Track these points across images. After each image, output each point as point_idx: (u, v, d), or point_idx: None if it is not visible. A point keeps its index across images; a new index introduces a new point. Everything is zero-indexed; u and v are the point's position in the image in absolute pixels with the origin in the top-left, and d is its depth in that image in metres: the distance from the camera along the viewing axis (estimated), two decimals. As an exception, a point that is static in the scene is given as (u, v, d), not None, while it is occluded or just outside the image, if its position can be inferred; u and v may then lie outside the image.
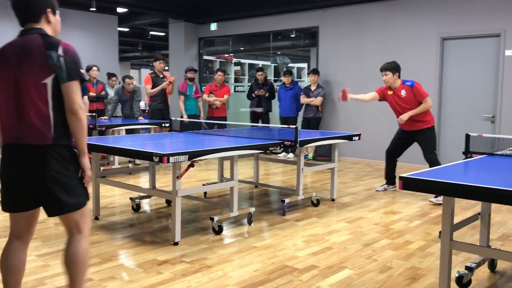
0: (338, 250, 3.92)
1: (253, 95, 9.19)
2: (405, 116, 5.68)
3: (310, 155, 9.00)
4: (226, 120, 8.53)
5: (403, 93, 5.71)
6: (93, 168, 4.79)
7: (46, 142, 2.34)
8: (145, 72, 26.23)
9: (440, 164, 5.58)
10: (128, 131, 7.99)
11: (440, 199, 5.58)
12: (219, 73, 8.75)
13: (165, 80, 8.18)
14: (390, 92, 5.86)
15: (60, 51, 2.34)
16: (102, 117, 8.02)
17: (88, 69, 8.51)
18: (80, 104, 2.36)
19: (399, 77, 5.81)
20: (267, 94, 9.20)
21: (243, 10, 9.84)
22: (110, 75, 9.28)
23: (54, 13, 2.52)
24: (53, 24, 2.52)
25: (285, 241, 4.14)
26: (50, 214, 2.42)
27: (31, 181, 2.36)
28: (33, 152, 2.34)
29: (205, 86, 9.54)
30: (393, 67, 5.77)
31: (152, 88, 8.05)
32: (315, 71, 8.74)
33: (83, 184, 2.47)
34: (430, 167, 5.57)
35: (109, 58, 10.45)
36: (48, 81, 2.32)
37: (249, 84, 9.98)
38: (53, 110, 2.35)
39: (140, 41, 18.28)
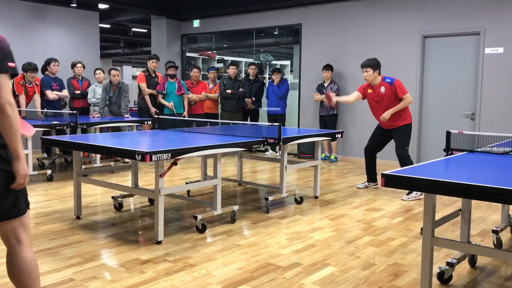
0: (321, 247, 3.94)
1: (227, 91, 8.74)
2: (387, 114, 5.72)
3: (333, 156, 8.62)
4: (205, 118, 8.48)
5: (382, 89, 5.76)
6: (75, 166, 4.73)
7: None
8: (127, 69, 25.99)
9: (411, 161, 5.71)
10: (114, 129, 7.89)
11: (412, 196, 5.66)
12: (195, 70, 8.79)
13: (157, 80, 8.40)
14: (370, 91, 5.90)
15: None
16: (94, 115, 7.88)
17: (73, 65, 8.38)
18: (8, 100, 2.12)
19: (379, 74, 5.84)
20: (253, 107, 9.12)
21: (226, 7, 9.81)
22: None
23: None
24: None
25: (268, 239, 4.14)
26: None
27: None
28: None
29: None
30: (374, 64, 5.80)
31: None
32: (328, 67, 8.44)
33: (22, 191, 2.29)
34: (400, 162, 5.70)
35: (91, 54, 10.31)
36: None
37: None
38: None
39: (122, 38, 18.09)
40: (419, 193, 5.60)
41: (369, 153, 6.19)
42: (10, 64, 2.19)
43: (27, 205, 2.35)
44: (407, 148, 5.84)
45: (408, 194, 5.69)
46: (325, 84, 8.49)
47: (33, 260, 2.34)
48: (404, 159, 5.70)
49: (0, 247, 3.76)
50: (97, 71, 8.44)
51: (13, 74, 2.21)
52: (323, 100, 8.44)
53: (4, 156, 2.21)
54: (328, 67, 8.44)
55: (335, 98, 5.94)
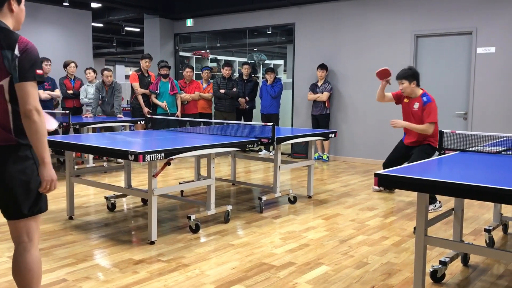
0: (315, 246, 3.95)
1: (220, 91, 8.72)
2: (402, 123, 5.11)
3: (325, 156, 8.63)
4: (198, 117, 8.47)
5: (415, 106, 5.08)
6: (67, 166, 4.71)
7: (10, 143, 2.23)
8: (120, 69, 25.87)
9: None
10: (107, 129, 7.85)
11: (431, 208, 5.16)
12: (187, 69, 8.80)
13: (150, 79, 8.39)
14: (406, 100, 5.21)
15: (16, 50, 2.18)
16: (87, 115, 7.84)
17: (66, 65, 8.33)
18: (35, 106, 2.18)
19: (417, 85, 5.11)
20: (246, 107, 9.12)
21: (219, 6, 9.80)
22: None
23: (19, 1, 2.35)
24: (16, 14, 2.34)
25: (262, 238, 4.14)
26: (8, 216, 2.31)
27: None
28: None
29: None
30: (410, 75, 5.05)
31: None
32: (322, 66, 8.43)
33: None
34: None
35: (83, 54, 10.26)
36: (4, 83, 2.19)
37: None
38: (12, 113, 2.23)
39: (115, 37, 18.00)
40: (438, 205, 5.17)
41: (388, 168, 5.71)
42: (38, 71, 2.23)
43: (46, 203, 2.40)
44: None
45: (431, 203, 5.14)
46: (319, 84, 8.50)
47: (40, 260, 2.40)
48: None
49: (0, 246, 3.75)
50: (87, 71, 8.38)
51: (40, 81, 2.24)
52: (316, 99, 8.46)
53: (29, 155, 2.28)
54: (323, 67, 8.46)
55: (386, 81, 5.21)
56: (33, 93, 2.20)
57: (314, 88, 8.56)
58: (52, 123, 3.04)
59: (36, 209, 2.33)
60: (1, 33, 2.21)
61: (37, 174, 2.30)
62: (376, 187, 6.14)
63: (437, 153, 3.89)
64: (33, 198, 2.30)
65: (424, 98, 5.06)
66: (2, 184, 2.25)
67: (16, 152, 2.25)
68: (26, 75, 2.18)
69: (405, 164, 3.37)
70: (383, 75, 5.23)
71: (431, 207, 5.17)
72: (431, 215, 3.08)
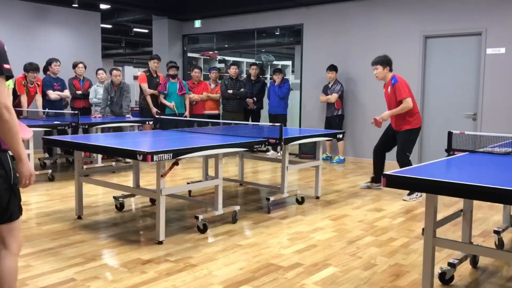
0: (323, 247, 3.94)
1: (228, 91, 8.77)
2: (385, 115, 5.64)
3: (336, 158, 8.57)
4: (206, 118, 8.48)
5: (389, 90, 5.65)
6: (76, 166, 4.74)
7: None
8: (129, 70, 25.99)
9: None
10: (116, 129, 7.89)
11: (413, 197, 5.62)
12: (196, 70, 8.85)
13: (158, 80, 8.42)
14: (384, 90, 5.81)
15: None
16: (96, 115, 7.90)
17: (74, 66, 8.39)
18: (5, 104, 2.06)
19: (390, 71, 5.66)
20: (254, 107, 9.12)
21: (228, 7, 9.81)
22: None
23: None
24: None
25: (270, 239, 4.14)
26: None
27: None
28: None
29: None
30: (383, 60, 5.62)
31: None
32: (332, 67, 8.38)
33: (16, 195, 2.23)
34: (400, 167, 5.55)
35: (92, 55, 10.32)
36: None
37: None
38: None
39: (123, 38, 18.09)
40: (419, 194, 5.55)
41: (378, 153, 6.03)
42: (6, 66, 2.12)
43: (20, 210, 2.28)
44: (408, 154, 5.64)
45: (409, 194, 5.66)
46: (330, 85, 8.47)
47: (15, 270, 2.26)
48: (402, 165, 5.41)
49: None
50: (99, 71, 8.45)
51: (8, 76, 2.13)
52: (328, 101, 8.42)
53: None
54: (332, 68, 8.41)
55: (381, 119, 5.72)
56: (1, 90, 2.08)
57: (325, 89, 8.53)
58: (26, 132, 3.01)
59: (6, 216, 2.20)
60: None
61: (4, 180, 2.17)
62: (364, 184, 6.32)
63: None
64: (2, 206, 2.18)
65: (393, 81, 5.57)
66: None
67: None
68: None
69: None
70: (378, 123, 5.74)
71: (413, 195, 5.62)
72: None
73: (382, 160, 6.10)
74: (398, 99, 5.53)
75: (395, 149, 5.89)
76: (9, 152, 2.20)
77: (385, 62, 5.61)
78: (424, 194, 4.99)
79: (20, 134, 2.14)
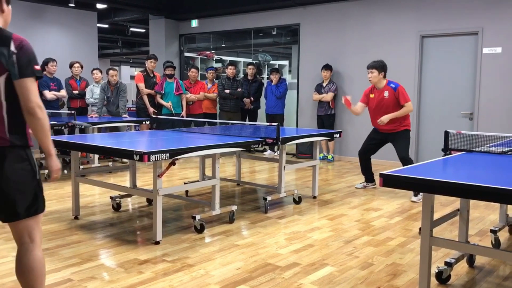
0: (320, 247, 3.94)
1: (225, 91, 8.77)
2: (386, 118, 5.62)
3: (330, 156, 8.64)
4: (203, 118, 8.48)
5: (385, 94, 5.65)
6: (73, 166, 4.73)
7: (3, 144, 2.21)
8: (125, 69, 25.93)
9: (413, 162, 5.64)
10: (112, 129, 7.88)
11: (420, 197, 5.62)
12: (193, 70, 8.84)
13: (155, 80, 8.41)
14: (372, 96, 5.78)
15: (12, 46, 2.17)
16: (93, 115, 7.88)
17: (71, 65, 8.37)
18: (37, 103, 2.20)
19: (384, 77, 5.71)
20: (251, 107, 9.12)
21: (224, 6, 9.80)
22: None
23: (7, 2, 2.33)
24: (5, 14, 2.33)
25: (267, 239, 4.14)
26: (4, 219, 2.29)
27: None
28: None
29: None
30: (380, 66, 5.66)
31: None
32: (327, 67, 8.44)
33: (41, 189, 2.36)
34: (403, 165, 5.61)
35: (89, 54, 10.29)
36: (1, 80, 2.18)
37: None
38: (7, 112, 2.22)
39: (120, 38, 18.05)
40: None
41: (363, 156, 6.10)
42: (36, 67, 2.25)
43: (44, 203, 2.39)
44: (408, 151, 5.76)
45: (415, 195, 5.62)
46: (324, 84, 8.50)
47: (43, 260, 2.39)
48: (407, 162, 5.54)
49: (0, 247, 3.76)
50: (95, 71, 8.43)
51: (38, 76, 2.25)
52: (321, 99, 8.46)
53: (24, 156, 2.28)
54: (327, 67, 8.44)
55: (349, 100, 5.77)
56: (34, 89, 2.21)
57: (319, 88, 8.56)
58: None
59: (33, 210, 2.31)
60: None
61: (33, 175, 2.30)
62: (359, 185, 6.35)
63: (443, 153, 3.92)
64: (29, 199, 2.29)
65: (392, 85, 5.65)
66: None
67: (11, 153, 2.24)
68: (25, 72, 2.19)
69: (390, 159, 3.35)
70: (348, 102, 5.76)
71: (416, 198, 5.60)
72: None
73: (368, 162, 6.18)
74: (402, 103, 5.58)
75: (388, 150, 5.94)
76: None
77: (381, 67, 5.66)
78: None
79: (49, 131, 2.30)
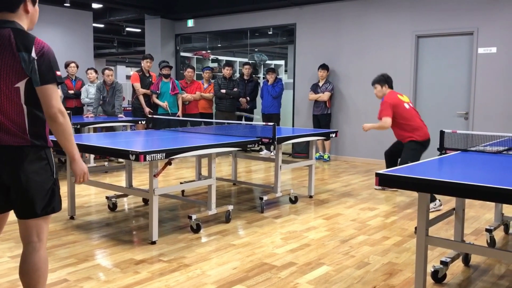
0: (316, 246, 3.94)
1: (221, 91, 8.70)
2: (366, 125, 5.56)
3: (326, 155, 8.63)
4: (199, 117, 8.47)
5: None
6: (68, 166, 4.71)
7: (24, 143, 2.25)
8: (121, 69, 25.89)
9: None
10: (108, 129, 7.86)
11: (432, 206, 5.15)
12: (188, 69, 8.83)
13: (151, 80, 8.40)
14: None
15: (33, 52, 2.18)
16: (88, 115, 7.87)
17: (66, 65, 8.35)
18: (59, 108, 2.23)
19: (390, 87, 5.58)
20: (247, 107, 9.11)
21: (220, 6, 9.80)
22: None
23: (34, 2, 2.33)
24: (31, 15, 2.33)
25: (263, 238, 4.14)
26: (20, 215, 2.32)
27: (6, 181, 2.25)
28: (10, 152, 2.23)
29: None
30: (380, 79, 5.57)
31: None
32: (324, 66, 8.44)
33: (58, 189, 2.39)
34: None
35: (84, 54, 10.27)
36: (21, 85, 2.20)
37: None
38: (28, 114, 2.25)
39: (116, 38, 18.02)
40: (438, 203, 5.21)
41: (389, 158, 5.85)
42: (58, 73, 2.27)
43: (60, 203, 2.42)
44: (409, 162, 5.49)
45: (432, 200, 5.21)
46: (320, 84, 8.51)
47: (47, 260, 2.40)
48: None
49: (1, 246, 3.75)
50: (89, 71, 8.41)
51: (59, 82, 2.28)
52: (317, 99, 8.47)
53: (43, 156, 2.31)
54: (324, 67, 8.46)
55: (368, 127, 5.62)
56: (55, 95, 2.24)
57: (315, 88, 8.57)
58: None
59: (49, 209, 2.34)
60: (18, 35, 2.20)
61: (50, 174, 2.33)
62: (379, 186, 6.10)
63: (430, 149, 3.91)
64: (47, 198, 2.32)
65: (384, 98, 5.48)
66: (17, 184, 2.25)
67: (31, 153, 2.27)
68: (47, 78, 2.21)
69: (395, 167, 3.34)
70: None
71: (431, 205, 5.18)
72: (432, 215, 3.07)
73: (394, 165, 5.94)
74: (378, 117, 5.45)
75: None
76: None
77: (382, 80, 5.57)
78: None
79: (73, 136, 2.33)
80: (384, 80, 5.60)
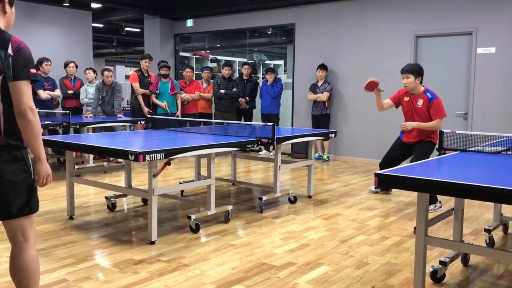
0: (315, 246, 3.95)
1: (221, 91, 8.71)
2: (410, 125, 5.10)
3: (325, 156, 8.63)
4: (198, 117, 8.47)
5: (419, 103, 5.06)
6: (68, 166, 4.71)
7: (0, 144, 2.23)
8: (120, 69, 25.87)
9: None
10: (107, 129, 7.86)
11: (431, 208, 5.13)
12: (187, 69, 8.82)
13: (150, 79, 8.40)
14: (406, 99, 5.18)
15: (9, 49, 2.19)
16: (87, 115, 7.87)
17: (65, 65, 8.35)
18: (29, 105, 2.20)
19: (421, 82, 5.10)
20: (247, 107, 9.12)
21: (220, 6, 9.79)
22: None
23: (11, 4, 2.34)
24: (8, 16, 2.34)
25: (262, 238, 4.14)
26: None
27: None
28: None
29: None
30: (416, 70, 5.02)
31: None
32: (322, 67, 8.44)
33: (35, 190, 2.37)
34: None
35: (83, 54, 10.26)
36: None
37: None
38: (3, 113, 2.24)
39: (115, 37, 18.01)
40: (437, 204, 5.18)
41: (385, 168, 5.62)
42: (32, 70, 2.25)
43: (38, 203, 2.41)
44: None
45: (432, 203, 5.15)
46: (319, 84, 8.51)
47: (37, 259, 2.39)
48: None
49: (0, 246, 3.75)
50: (87, 71, 8.40)
51: (32, 80, 2.25)
52: (316, 99, 8.47)
53: (19, 156, 2.30)
54: (322, 67, 8.47)
55: (379, 89, 5.15)
56: (27, 92, 2.21)
57: (314, 88, 8.58)
58: None
59: (26, 209, 2.33)
60: None
61: (27, 175, 2.32)
62: (373, 188, 6.08)
63: (437, 152, 3.91)
64: (23, 199, 2.31)
65: (429, 95, 5.04)
66: None
67: (6, 153, 2.26)
68: (20, 74, 2.20)
69: (404, 164, 3.33)
70: (372, 86, 5.14)
71: (431, 207, 5.17)
72: (431, 215, 3.08)
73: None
74: (433, 118, 5.02)
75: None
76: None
77: (418, 72, 5.03)
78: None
79: (40, 135, 2.28)
80: (419, 71, 5.05)
